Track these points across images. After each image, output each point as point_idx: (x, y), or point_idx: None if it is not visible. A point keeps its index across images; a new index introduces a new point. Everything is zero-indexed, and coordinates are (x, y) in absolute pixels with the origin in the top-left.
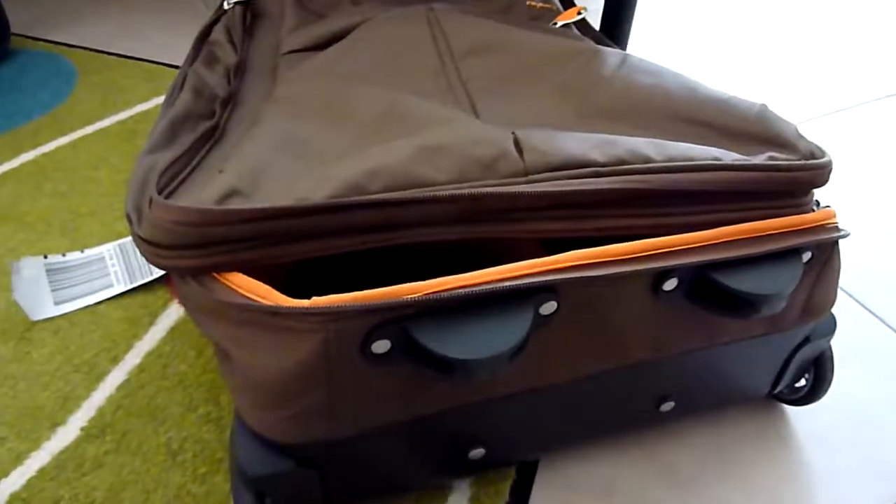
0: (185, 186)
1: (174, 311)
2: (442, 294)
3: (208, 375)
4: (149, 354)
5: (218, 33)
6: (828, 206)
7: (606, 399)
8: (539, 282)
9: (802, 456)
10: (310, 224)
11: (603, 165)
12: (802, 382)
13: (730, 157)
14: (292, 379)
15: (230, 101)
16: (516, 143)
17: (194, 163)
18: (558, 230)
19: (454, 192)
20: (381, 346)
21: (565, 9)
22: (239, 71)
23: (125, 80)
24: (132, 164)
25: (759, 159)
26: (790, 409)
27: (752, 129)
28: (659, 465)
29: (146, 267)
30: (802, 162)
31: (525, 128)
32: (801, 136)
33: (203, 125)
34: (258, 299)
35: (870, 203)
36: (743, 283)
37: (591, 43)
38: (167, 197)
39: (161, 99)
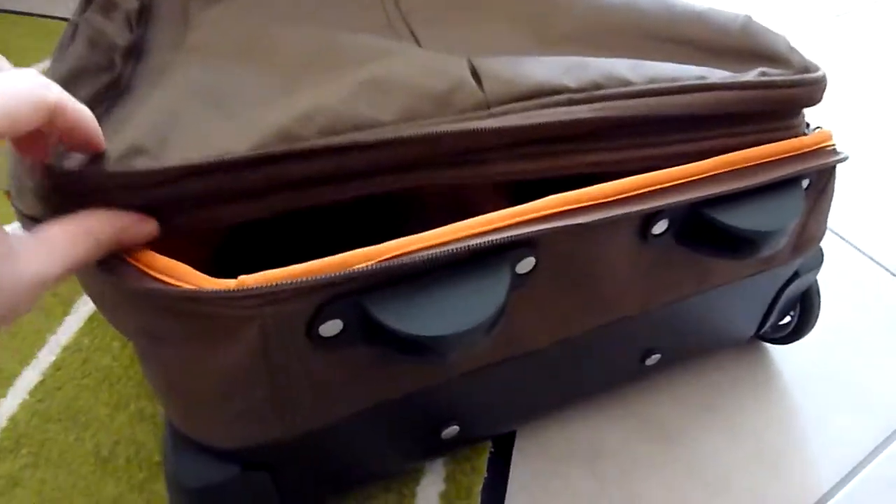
0: None
1: (89, 300)
2: (400, 260)
3: (137, 367)
4: (65, 349)
5: None
6: (819, 128)
7: (588, 359)
8: (514, 236)
9: (789, 396)
10: (232, 183)
11: (576, 91)
12: (787, 320)
13: (717, 74)
14: (226, 376)
15: (133, 51)
16: (473, 71)
17: None
18: (529, 171)
19: (404, 133)
20: (331, 327)
21: None
22: (142, 17)
23: (16, 39)
24: None
25: (751, 76)
26: (772, 349)
27: (738, 43)
28: (643, 421)
29: None
30: (798, 77)
31: (481, 56)
32: (792, 49)
33: (103, 80)
34: (174, 282)
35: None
36: (742, 219)
37: None
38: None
39: None
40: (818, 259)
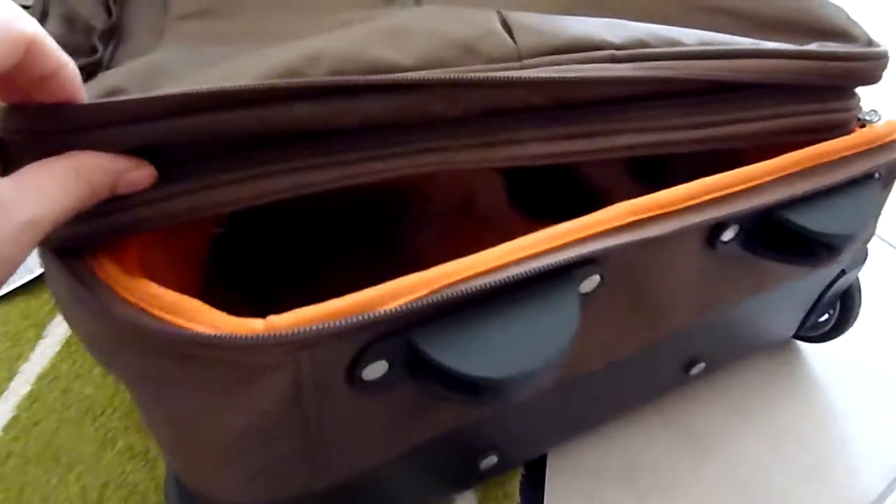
0: None
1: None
2: (457, 289)
3: (125, 395)
4: (41, 378)
5: None
6: (873, 112)
7: (634, 375)
8: (584, 254)
9: (828, 398)
10: (230, 126)
11: (619, 48)
12: (825, 318)
13: (768, 45)
14: (249, 430)
15: (113, 34)
16: (503, 22)
17: None
18: (563, 153)
19: (427, 76)
20: (375, 369)
21: None
22: None
23: None
24: None
25: (812, 46)
26: (806, 348)
27: (793, 16)
28: (679, 430)
29: (26, 263)
30: (861, 50)
31: (510, 10)
32: (853, 22)
33: (79, 62)
34: (185, 324)
35: None
36: (820, 221)
37: None
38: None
39: None
40: (863, 255)
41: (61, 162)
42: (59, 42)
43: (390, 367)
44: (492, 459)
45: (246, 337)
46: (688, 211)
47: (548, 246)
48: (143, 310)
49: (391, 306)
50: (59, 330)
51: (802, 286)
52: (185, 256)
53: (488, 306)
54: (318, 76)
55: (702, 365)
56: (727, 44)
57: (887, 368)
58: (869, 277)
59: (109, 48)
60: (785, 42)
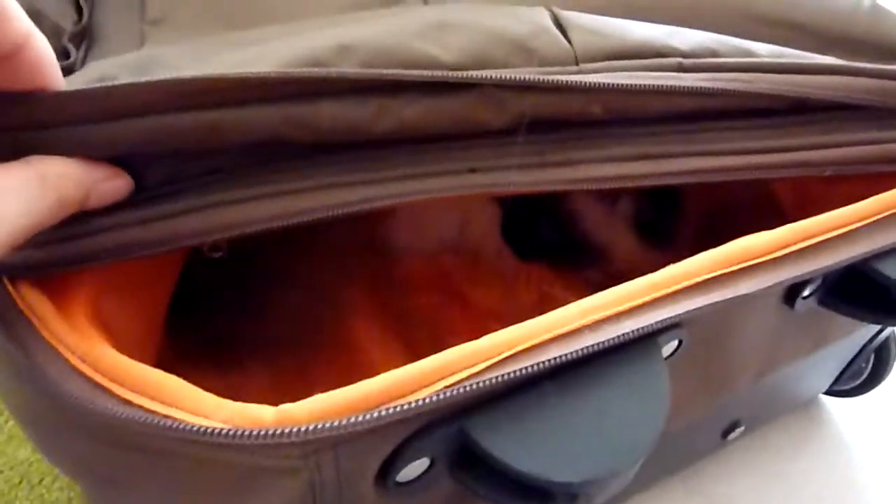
0: None
1: None
2: (526, 361)
3: None
4: None
5: None
6: None
7: (673, 443)
8: (672, 317)
9: (854, 456)
10: (240, 126)
11: (687, 56)
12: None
13: (851, 63)
14: None
15: (84, 36)
16: (556, 20)
17: None
18: (621, 177)
19: (473, 75)
20: (413, 469)
21: None
22: None
23: None
24: None
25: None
26: (831, 403)
27: (865, 32)
28: (708, 498)
29: None
30: None
31: (562, 9)
32: None
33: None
34: (163, 410)
35: None
36: None
37: None
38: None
39: None
40: None
41: (23, 168)
42: None
43: (432, 462)
44: None
45: (250, 433)
46: (774, 263)
47: (629, 305)
48: (104, 388)
49: (439, 388)
50: None
51: (848, 340)
52: (145, 303)
53: (558, 383)
54: (351, 68)
55: (741, 429)
56: (805, 57)
57: None
58: None
59: (81, 51)
60: (856, 60)
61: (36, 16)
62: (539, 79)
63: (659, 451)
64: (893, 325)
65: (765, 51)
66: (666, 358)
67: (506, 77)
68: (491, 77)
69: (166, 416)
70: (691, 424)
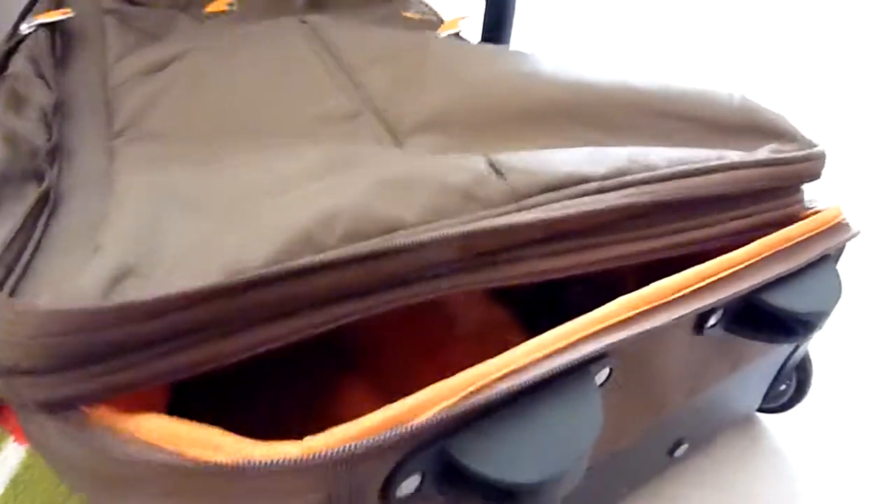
0: (34, 278)
1: (13, 453)
2: (488, 393)
3: None
4: None
5: (19, 65)
6: (812, 204)
7: (623, 464)
8: (600, 349)
9: (794, 464)
10: (250, 304)
11: (603, 179)
12: (783, 388)
13: (731, 155)
14: None
15: (55, 153)
16: (491, 165)
17: (34, 242)
18: (561, 268)
19: (437, 234)
20: (409, 484)
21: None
22: (58, 112)
23: None
24: None
25: (762, 154)
26: (766, 419)
27: (741, 121)
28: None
29: None
30: (806, 152)
31: (493, 151)
32: (792, 125)
33: (30, 189)
34: (213, 456)
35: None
36: (795, 301)
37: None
38: (12, 294)
39: None
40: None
41: None
42: (4, 168)
43: (422, 479)
44: None
45: (279, 462)
46: (681, 300)
47: (565, 342)
48: (146, 443)
49: (425, 417)
50: (5, 467)
51: (768, 360)
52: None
53: (514, 408)
54: (335, 242)
55: (685, 446)
56: (695, 161)
57: (848, 429)
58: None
59: (55, 169)
60: (740, 145)
61: (16, 138)
62: (490, 225)
63: (614, 467)
64: (787, 344)
65: (665, 161)
66: (601, 384)
67: (465, 231)
68: (454, 233)
69: (205, 462)
70: (639, 443)
